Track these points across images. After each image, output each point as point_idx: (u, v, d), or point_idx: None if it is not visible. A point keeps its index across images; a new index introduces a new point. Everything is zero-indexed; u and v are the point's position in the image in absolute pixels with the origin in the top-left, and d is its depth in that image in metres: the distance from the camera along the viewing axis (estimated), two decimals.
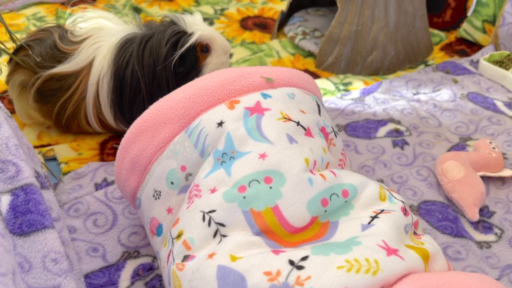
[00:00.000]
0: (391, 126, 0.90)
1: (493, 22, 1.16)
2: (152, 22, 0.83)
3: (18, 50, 0.81)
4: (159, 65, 0.74)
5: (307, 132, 0.52)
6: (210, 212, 0.46)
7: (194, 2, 1.45)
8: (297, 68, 1.11)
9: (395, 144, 0.86)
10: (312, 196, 0.46)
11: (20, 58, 0.79)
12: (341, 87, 1.03)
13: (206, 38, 0.78)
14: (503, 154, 0.84)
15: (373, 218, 0.46)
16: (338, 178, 0.48)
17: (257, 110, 0.52)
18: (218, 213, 0.46)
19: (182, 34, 0.76)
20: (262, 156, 0.47)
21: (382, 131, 0.89)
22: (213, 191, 0.47)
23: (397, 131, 0.89)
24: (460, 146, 0.86)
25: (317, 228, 0.46)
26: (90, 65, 0.77)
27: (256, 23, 1.34)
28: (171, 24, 0.79)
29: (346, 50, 1.08)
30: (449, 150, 0.85)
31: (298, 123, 0.52)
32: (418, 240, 0.46)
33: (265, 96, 0.53)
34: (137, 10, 1.37)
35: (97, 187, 0.74)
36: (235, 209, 0.45)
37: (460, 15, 1.24)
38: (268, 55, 1.16)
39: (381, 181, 0.78)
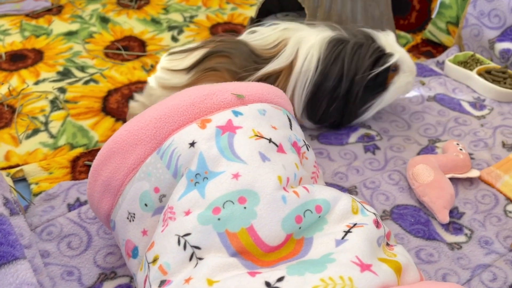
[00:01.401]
0: (362, 132, 0.92)
1: (456, 23, 1.20)
2: (351, 29, 0.87)
3: (206, 57, 0.81)
4: (358, 74, 0.81)
5: (279, 148, 0.52)
6: (185, 235, 0.46)
7: (162, 10, 1.44)
8: None
9: (366, 149, 0.87)
10: (286, 214, 0.47)
11: (213, 64, 0.80)
12: None
13: (400, 59, 0.84)
14: (470, 154, 0.87)
15: (347, 232, 0.46)
16: (311, 194, 0.49)
17: (228, 128, 0.52)
18: (193, 236, 0.46)
19: (383, 53, 0.83)
20: (236, 176, 0.48)
21: (354, 136, 0.90)
22: (187, 213, 0.47)
23: (368, 136, 0.91)
24: (429, 148, 0.88)
25: (292, 246, 0.46)
26: (291, 63, 0.81)
27: (226, 30, 1.34)
28: (370, 38, 0.84)
29: None
30: (419, 153, 0.87)
31: (270, 140, 0.52)
32: (391, 251, 0.48)
33: (236, 113, 0.54)
34: (104, 20, 1.35)
35: (70, 207, 0.73)
36: (210, 231, 0.45)
37: (425, 17, 1.27)
38: None
39: (354, 187, 0.79)
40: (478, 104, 1.01)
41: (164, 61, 0.84)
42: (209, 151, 0.50)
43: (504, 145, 0.89)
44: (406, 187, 0.79)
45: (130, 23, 1.34)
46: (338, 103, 0.83)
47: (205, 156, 0.49)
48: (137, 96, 0.89)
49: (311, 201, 0.48)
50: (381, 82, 0.84)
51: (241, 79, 0.79)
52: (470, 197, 0.78)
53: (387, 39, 0.85)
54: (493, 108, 1.00)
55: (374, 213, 0.51)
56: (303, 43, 0.81)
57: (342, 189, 0.79)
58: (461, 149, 0.84)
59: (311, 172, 0.58)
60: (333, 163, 0.84)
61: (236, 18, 1.41)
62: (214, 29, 1.34)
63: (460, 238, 0.71)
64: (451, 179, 0.79)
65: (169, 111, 0.54)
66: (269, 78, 0.80)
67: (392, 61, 0.82)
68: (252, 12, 1.41)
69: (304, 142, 0.59)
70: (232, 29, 1.35)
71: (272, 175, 0.48)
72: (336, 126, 0.91)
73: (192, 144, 0.51)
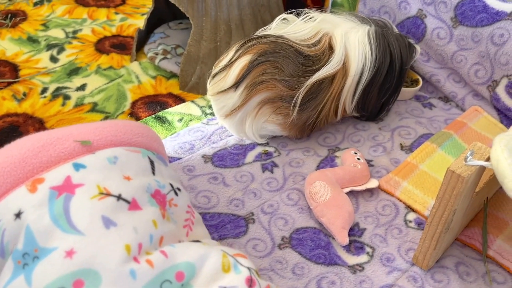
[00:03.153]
0: (259, 149, 0.86)
1: None
2: (364, 17, 0.88)
3: (251, 70, 0.75)
4: (405, 65, 0.87)
5: (132, 205, 0.44)
6: None
7: (41, 26, 1.29)
8: (160, 92, 1.02)
9: (264, 168, 0.81)
10: None
11: (261, 77, 0.76)
12: (208, 111, 0.96)
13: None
14: (370, 161, 0.84)
15: None
16: (170, 259, 0.41)
17: (66, 188, 0.43)
18: None
19: (411, 45, 0.90)
20: (69, 253, 0.39)
21: (251, 155, 0.84)
22: None
23: (265, 154, 0.85)
24: (329, 159, 0.84)
25: None
26: (344, 66, 0.80)
27: (114, 44, 1.23)
28: (386, 25, 0.88)
29: (208, 68, 1.01)
30: (318, 165, 0.83)
31: (119, 197, 0.43)
32: None
33: (77, 167, 0.45)
34: None
35: None
36: None
37: None
38: (127, 81, 1.06)
39: (251, 214, 0.73)
40: None
41: (211, 87, 0.80)
42: (39, 221, 0.40)
43: (402, 147, 0.88)
44: (305, 206, 0.74)
45: (1, 45, 1.19)
46: (387, 95, 0.88)
47: (33, 229, 0.40)
48: None
49: (170, 268, 0.41)
50: (406, 71, 0.89)
51: (291, 87, 0.77)
52: (371, 209, 0.75)
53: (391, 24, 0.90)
54: (389, 108, 0.98)
55: (248, 268, 0.44)
56: (349, 42, 0.81)
57: (238, 218, 0.72)
58: (358, 159, 0.80)
59: (184, 220, 0.51)
60: (228, 188, 0.77)
61: (126, 30, 1.30)
62: (100, 44, 1.22)
63: (362, 258, 0.67)
64: (351, 192, 0.76)
65: None
66: (323, 83, 0.79)
67: (417, 53, 0.91)
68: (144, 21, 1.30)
69: (172, 187, 0.51)
70: (121, 42, 1.23)
71: (118, 245, 0.40)
72: (373, 117, 0.93)
73: (18, 215, 0.41)
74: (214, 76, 0.80)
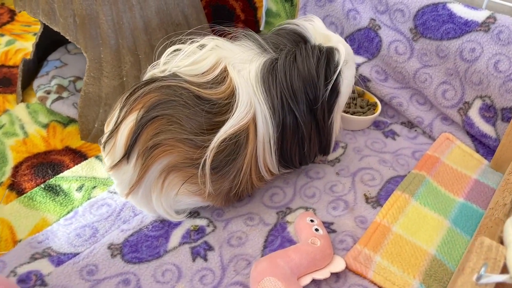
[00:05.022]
0: (187, 224, 0.65)
1: None
2: (274, 34, 0.66)
3: (140, 132, 0.54)
4: (317, 100, 0.61)
5: None
6: None
7: None
8: (53, 147, 0.78)
9: (195, 254, 0.61)
10: None
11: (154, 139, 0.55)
12: None
13: (344, 51, 0.64)
14: (330, 224, 0.65)
15: None
16: None
17: None
18: None
19: (328, 55, 0.62)
20: None
21: (176, 236, 0.63)
22: None
23: (196, 230, 0.64)
24: (279, 227, 0.65)
25: None
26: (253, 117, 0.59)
27: None
28: (300, 36, 0.64)
29: None
30: (266, 239, 0.63)
31: None
32: None
33: None
34: None
35: None
36: None
37: (253, 29, 1.03)
38: (8, 134, 0.81)
39: None
40: None
41: (105, 159, 0.59)
42: None
43: (367, 199, 0.70)
44: None
45: None
46: (310, 140, 0.64)
47: None
48: None
49: None
50: (334, 89, 0.64)
51: (198, 146, 0.56)
52: None
53: (315, 28, 0.66)
54: (346, 144, 0.80)
55: None
56: (242, 86, 0.59)
57: None
58: (317, 229, 0.62)
59: None
60: None
61: (12, 57, 1.03)
62: None
63: None
64: (312, 282, 0.57)
65: None
66: (240, 138, 0.58)
67: (341, 60, 0.63)
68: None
69: None
70: (6, 75, 0.97)
71: None
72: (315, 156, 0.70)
73: None
74: (104, 146, 0.58)
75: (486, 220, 0.58)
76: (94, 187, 0.70)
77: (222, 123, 0.57)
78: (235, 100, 0.58)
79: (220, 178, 0.59)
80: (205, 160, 0.56)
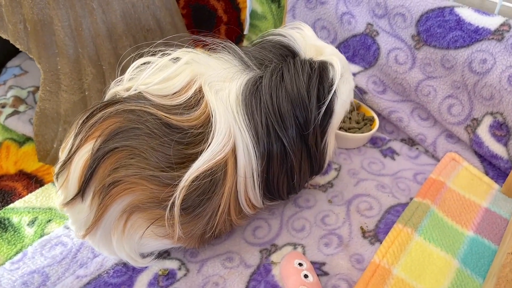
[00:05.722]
0: (155, 268, 0.55)
1: None
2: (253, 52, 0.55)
3: (96, 167, 0.45)
4: (309, 125, 0.52)
5: None
6: None
7: None
8: (5, 171, 0.68)
9: None
10: None
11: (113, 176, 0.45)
12: None
13: (339, 65, 0.55)
14: (321, 265, 0.57)
15: None
16: None
17: None
18: None
19: (320, 71, 0.53)
20: None
21: (141, 283, 0.54)
22: None
23: (165, 275, 0.55)
24: (262, 270, 0.56)
25: None
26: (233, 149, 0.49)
27: None
28: (287, 49, 0.55)
29: None
30: (248, 283, 0.54)
31: None
32: None
33: None
34: None
35: None
36: None
37: (237, 32, 0.94)
38: None
39: None
40: None
41: (57, 193, 0.50)
42: None
43: (364, 233, 0.61)
44: None
45: None
46: (299, 171, 0.55)
47: None
48: None
49: None
50: (328, 109, 0.55)
51: (165, 184, 0.47)
52: None
53: (305, 38, 0.57)
54: (340, 166, 0.71)
55: None
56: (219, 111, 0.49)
57: None
58: (306, 276, 0.53)
59: None
60: None
61: None
62: None
63: None
64: None
65: None
66: (217, 173, 0.48)
67: (336, 77, 0.54)
68: None
69: None
70: None
71: None
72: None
73: None
74: (57, 177, 0.49)
75: (506, 270, 0.49)
76: (49, 220, 0.61)
77: (195, 155, 0.48)
78: (211, 129, 0.49)
79: (192, 220, 0.50)
80: (173, 201, 0.47)
